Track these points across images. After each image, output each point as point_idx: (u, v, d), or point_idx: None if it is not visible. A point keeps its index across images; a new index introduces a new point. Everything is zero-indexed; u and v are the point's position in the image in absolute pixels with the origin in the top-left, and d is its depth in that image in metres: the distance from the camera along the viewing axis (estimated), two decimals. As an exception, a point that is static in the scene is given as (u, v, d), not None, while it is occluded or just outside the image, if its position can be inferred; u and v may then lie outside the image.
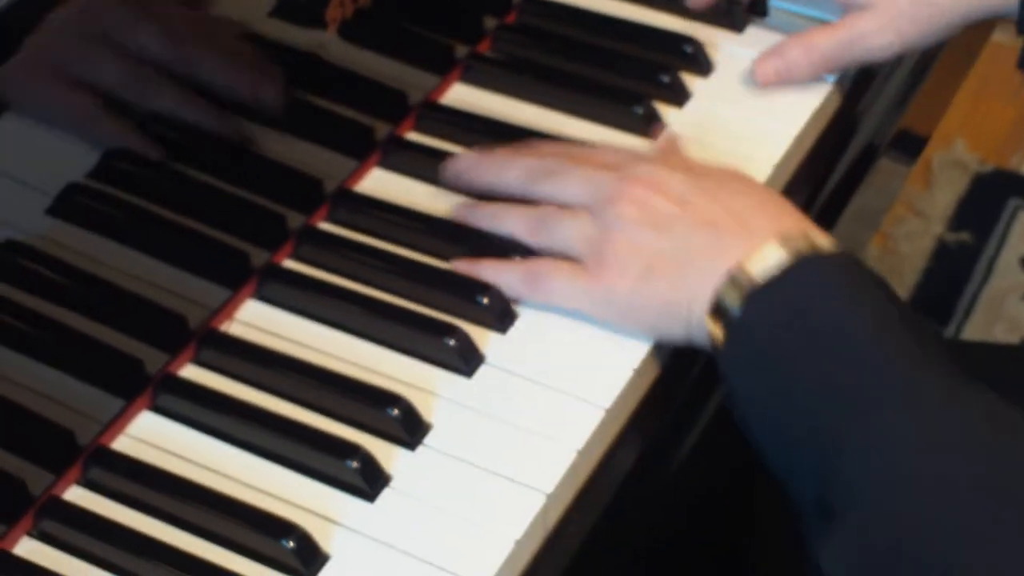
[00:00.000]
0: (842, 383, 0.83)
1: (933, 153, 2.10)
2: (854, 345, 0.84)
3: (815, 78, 1.05)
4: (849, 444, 0.81)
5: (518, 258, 0.94)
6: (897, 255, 2.02)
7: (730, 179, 0.94)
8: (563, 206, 0.94)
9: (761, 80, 1.05)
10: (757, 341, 0.86)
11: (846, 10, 1.05)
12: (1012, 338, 1.94)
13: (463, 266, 0.95)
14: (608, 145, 0.99)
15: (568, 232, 0.93)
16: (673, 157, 0.98)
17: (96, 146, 0.84)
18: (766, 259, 0.87)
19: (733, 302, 0.87)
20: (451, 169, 1.00)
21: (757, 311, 0.86)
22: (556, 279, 0.93)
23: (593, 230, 0.92)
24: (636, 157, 0.96)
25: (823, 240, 0.88)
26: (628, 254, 0.91)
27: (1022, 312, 1.97)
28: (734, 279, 0.87)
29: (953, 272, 2.01)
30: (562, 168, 0.96)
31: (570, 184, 0.95)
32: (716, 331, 0.87)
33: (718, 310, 0.87)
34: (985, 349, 1.33)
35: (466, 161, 0.99)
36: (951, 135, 2.12)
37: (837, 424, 0.82)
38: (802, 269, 0.86)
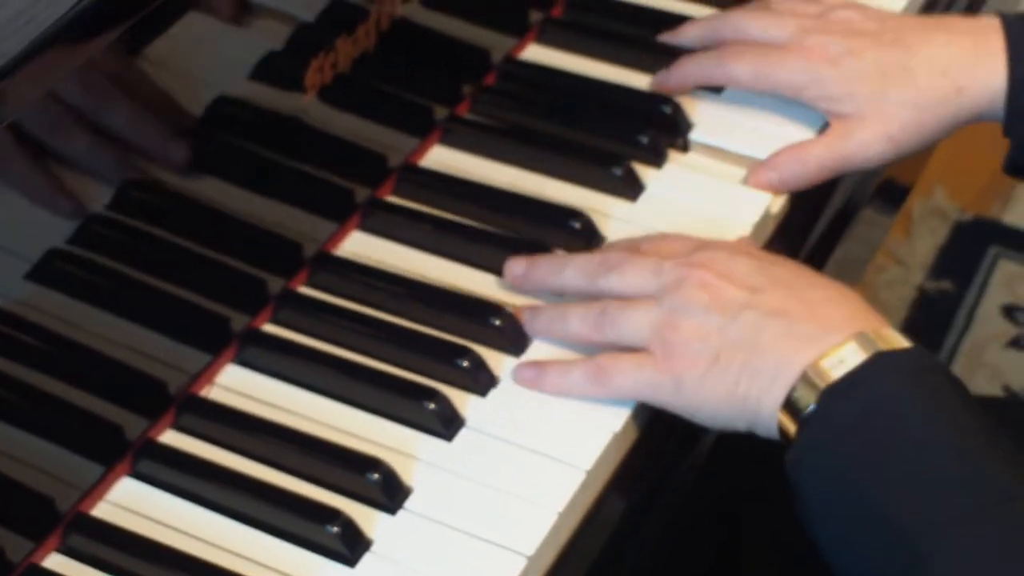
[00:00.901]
0: (922, 493, 0.80)
1: (914, 202, 2.11)
2: (936, 453, 0.81)
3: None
4: (931, 566, 0.78)
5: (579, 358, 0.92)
6: (877, 304, 2.01)
7: (800, 270, 0.91)
8: (626, 299, 0.91)
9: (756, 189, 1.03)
10: (831, 440, 0.83)
11: (831, 118, 1.04)
12: (994, 386, 1.94)
13: (528, 380, 0.92)
14: (672, 234, 0.96)
15: (632, 322, 0.90)
16: (741, 245, 0.95)
17: (76, 212, 0.85)
18: (842, 359, 0.84)
19: (807, 401, 0.84)
20: (509, 274, 0.97)
21: (832, 410, 0.83)
22: (622, 372, 0.90)
23: (658, 317, 0.89)
24: (701, 244, 0.93)
25: (898, 338, 0.85)
26: (696, 341, 0.88)
27: (1003, 360, 1.97)
28: (809, 378, 0.84)
29: (934, 321, 2.02)
30: (623, 259, 0.93)
31: (631, 273, 0.92)
32: (788, 425, 0.85)
33: (790, 407, 0.85)
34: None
35: (522, 265, 0.97)
36: (931, 184, 2.12)
37: (916, 539, 0.78)
38: (879, 368, 0.83)
